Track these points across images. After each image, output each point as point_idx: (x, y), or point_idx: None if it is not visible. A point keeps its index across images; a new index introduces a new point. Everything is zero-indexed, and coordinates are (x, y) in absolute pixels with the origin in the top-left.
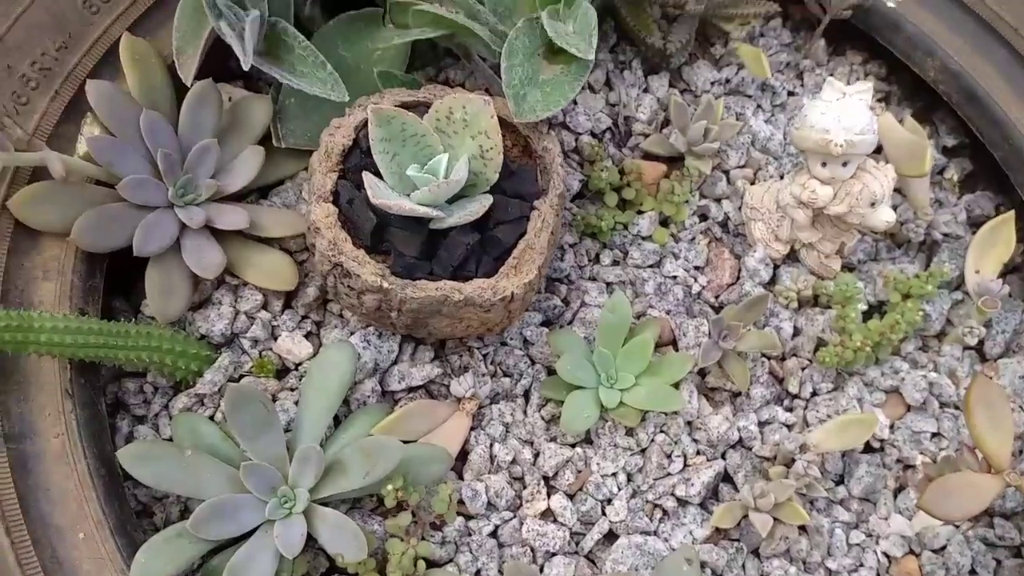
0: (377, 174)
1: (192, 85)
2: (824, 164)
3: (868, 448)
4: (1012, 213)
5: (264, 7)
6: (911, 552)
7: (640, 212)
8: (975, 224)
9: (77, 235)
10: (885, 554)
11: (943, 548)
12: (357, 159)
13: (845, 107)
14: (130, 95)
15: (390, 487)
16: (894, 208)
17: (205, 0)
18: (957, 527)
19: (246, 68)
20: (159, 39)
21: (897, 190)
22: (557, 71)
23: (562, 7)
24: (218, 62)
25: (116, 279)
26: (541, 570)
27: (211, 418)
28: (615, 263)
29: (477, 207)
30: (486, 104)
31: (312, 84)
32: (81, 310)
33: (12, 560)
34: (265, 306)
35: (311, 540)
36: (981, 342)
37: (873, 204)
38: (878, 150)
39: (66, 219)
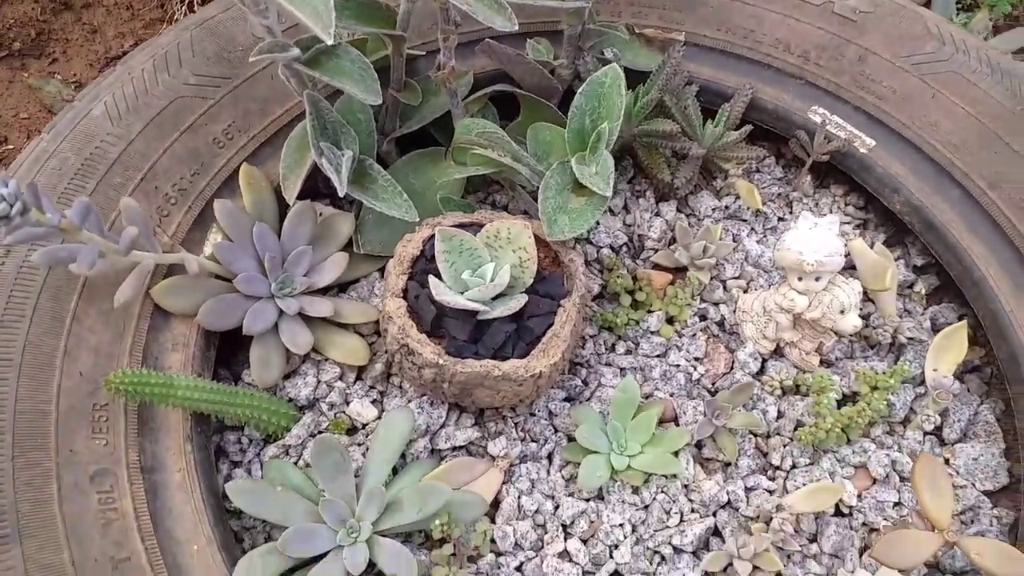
0: (439, 277)
1: (293, 204)
2: (800, 278)
3: (838, 513)
4: (965, 322)
5: (356, 148)
6: None
7: (650, 311)
8: (939, 330)
9: (201, 317)
10: None
11: None
12: (423, 265)
13: (816, 235)
14: (245, 210)
15: (437, 522)
16: (867, 316)
17: (312, 143)
18: None
19: (342, 195)
20: (268, 167)
21: (871, 300)
22: (583, 202)
23: (588, 154)
24: (311, 183)
25: (222, 351)
26: None
27: (295, 464)
28: (628, 352)
29: (515, 303)
30: (525, 227)
31: (391, 208)
32: (199, 376)
33: (145, 561)
34: (341, 377)
35: (371, 565)
36: (939, 428)
37: (842, 312)
38: (853, 268)
39: (193, 304)
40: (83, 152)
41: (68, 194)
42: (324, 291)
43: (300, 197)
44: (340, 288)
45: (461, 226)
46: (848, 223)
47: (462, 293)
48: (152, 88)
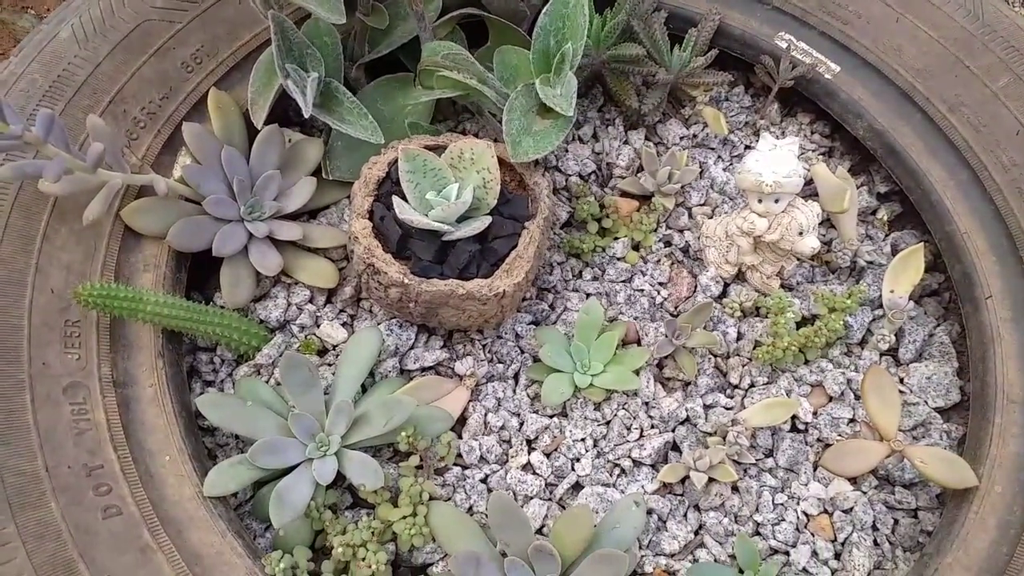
0: (404, 198)
1: (261, 128)
2: (760, 201)
3: (794, 429)
4: (921, 245)
5: (321, 70)
6: (825, 511)
7: (616, 238)
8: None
9: (171, 238)
10: (804, 512)
11: (851, 509)
12: (388, 187)
13: (776, 156)
14: (214, 134)
15: (404, 434)
16: (829, 242)
17: (277, 64)
18: (864, 492)
19: (307, 116)
20: (237, 92)
21: (833, 227)
22: (547, 124)
23: (552, 76)
24: (281, 111)
25: (193, 276)
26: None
27: (266, 383)
28: (594, 278)
29: (479, 224)
30: (488, 147)
31: (357, 130)
32: (170, 295)
33: (118, 470)
34: (311, 300)
35: (340, 479)
36: (895, 349)
37: (801, 233)
38: (816, 195)
39: (163, 226)
40: (51, 74)
41: (36, 115)
42: (294, 216)
43: (269, 123)
44: (310, 215)
45: (427, 148)
46: (814, 151)
47: (427, 214)
48: (119, 11)
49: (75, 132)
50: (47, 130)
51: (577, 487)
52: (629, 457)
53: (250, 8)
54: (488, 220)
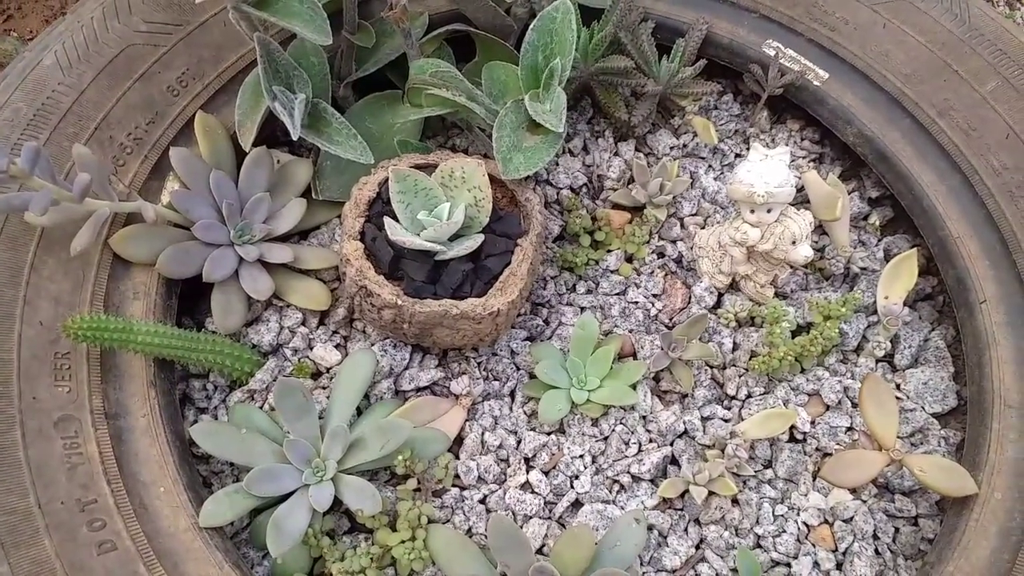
0: (395, 218)
1: (250, 151)
2: (752, 211)
3: (792, 439)
4: (915, 250)
5: (309, 91)
6: (825, 522)
7: (609, 251)
8: (891, 260)
9: (160, 265)
10: (804, 523)
11: (851, 518)
12: (379, 207)
13: (767, 166)
14: (201, 158)
15: (400, 457)
16: (822, 249)
17: (264, 87)
18: (864, 501)
19: (295, 139)
20: (224, 115)
21: (826, 233)
22: (537, 140)
23: (541, 92)
24: (269, 131)
25: (184, 301)
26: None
27: (260, 408)
28: (588, 291)
29: (471, 243)
30: (479, 165)
31: (346, 151)
32: (161, 323)
33: (112, 504)
34: (304, 323)
35: (337, 503)
36: (891, 355)
37: (794, 242)
38: (807, 202)
39: (152, 253)
40: (35, 102)
41: (21, 145)
42: (284, 238)
43: (257, 145)
44: (301, 235)
45: (418, 167)
46: (804, 157)
47: (418, 234)
48: (103, 36)
49: (61, 160)
50: (32, 163)
51: (577, 504)
52: (628, 473)
53: (235, 30)
54: (481, 238)
